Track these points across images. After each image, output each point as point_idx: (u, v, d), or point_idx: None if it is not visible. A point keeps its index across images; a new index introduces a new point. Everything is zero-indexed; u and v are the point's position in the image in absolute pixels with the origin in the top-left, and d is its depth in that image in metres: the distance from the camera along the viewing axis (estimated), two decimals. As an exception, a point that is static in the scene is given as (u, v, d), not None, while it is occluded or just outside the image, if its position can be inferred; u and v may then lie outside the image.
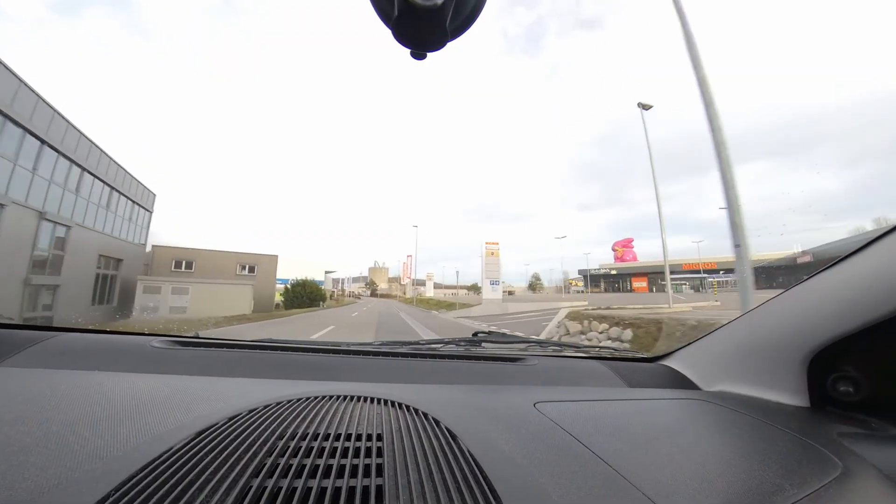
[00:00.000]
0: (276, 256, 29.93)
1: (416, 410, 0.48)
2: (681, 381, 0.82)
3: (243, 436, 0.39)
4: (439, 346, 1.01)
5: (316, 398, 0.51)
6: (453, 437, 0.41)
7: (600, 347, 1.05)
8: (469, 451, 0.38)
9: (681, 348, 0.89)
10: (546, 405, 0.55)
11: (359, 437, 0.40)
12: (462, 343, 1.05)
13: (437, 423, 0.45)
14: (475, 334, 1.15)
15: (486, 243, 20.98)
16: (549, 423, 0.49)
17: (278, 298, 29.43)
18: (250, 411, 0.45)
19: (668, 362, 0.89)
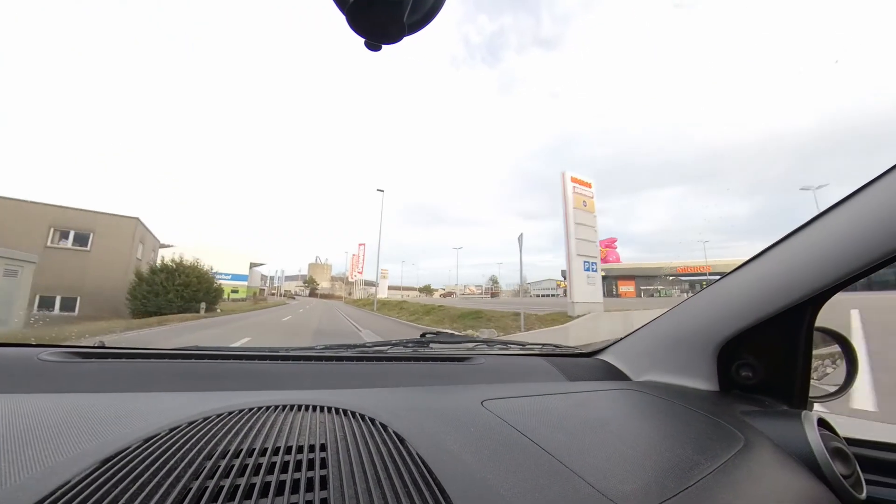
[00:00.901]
0: (136, 220, 18.03)
1: (363, 416, 0.47)
2: (614, 374, 0.90)
3: (163, 459, 0.34)
4: (386, 348, 0.99)
5: (250, 410, 0.47)
6: (401, 440, 0.41)
7: (543, 345, 1.10)
8: (418, 454, 0.38)
9: (614, 343, 0.97)
10: (493, 402, 0.56)
11: (300, 450, 0.37)
12: (410, 345, 1.05)
13: (385, 427, 0.44)
14: (423, 335, 1.14)
15: (575, 181, 10.55)
16: (496, 419, 0.51)
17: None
18: (172, 430, 0.41)
19: (603, 356, 0.97)
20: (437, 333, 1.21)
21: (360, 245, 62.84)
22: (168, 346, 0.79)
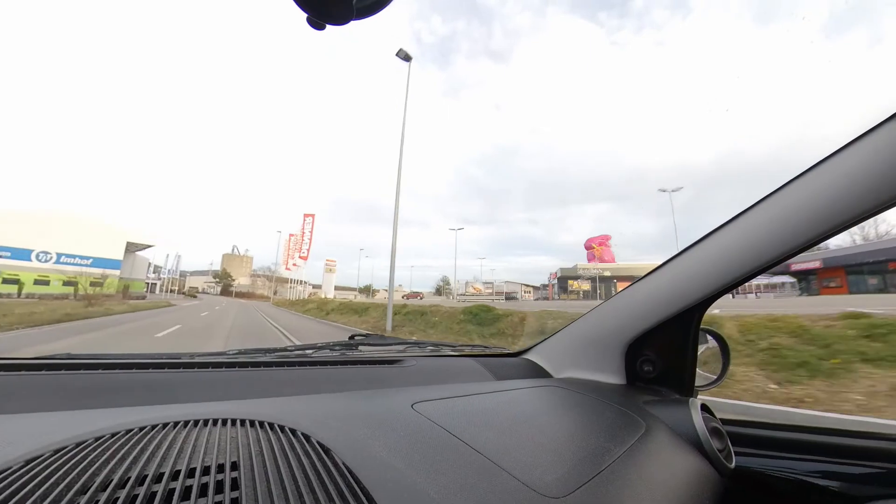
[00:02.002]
0: None
1: (282, 428, 0.43)
2: (538, 372, 0.95)
3: (15, 499, 0.27)
4: (311, 352, 0.93)
5: (142, 430, 0.39)
6: (326, 451, 0.38)
7: (473, 346, 1.14)
8: (344, 464, 0.36)
9: (539, 343, 1.03)
10: (423, 405, 0.56)
11: (206, 471, 0.33)
12: (337, 348, 0.99)
13: (308, 438, 0.41)
14: (352, 337, 1.10)
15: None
16: (427, 422, 0.50)
17: None
18: (30, 462, 0.32)
19: (528, 356, 1.02)
20: (367, 335, 1.17)
21: (305, 217, 44.59)
22: (26, 355, 0.64)
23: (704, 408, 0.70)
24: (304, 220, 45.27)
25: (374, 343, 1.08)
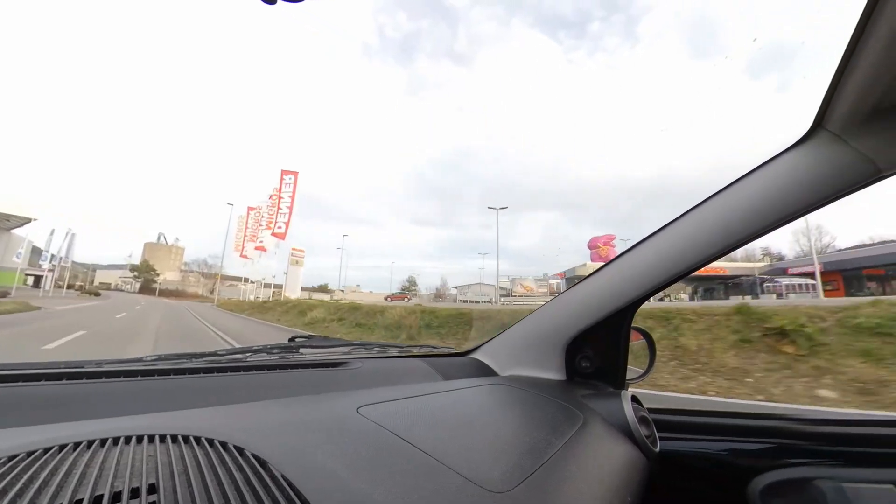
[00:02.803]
0: None
1: (210, 442, 0.39)
2: (485, 370, 0.98)
3: None
4: (245, 356, 0.86)
5: (31, 455, 0.33)
6: (262, 463, 0.36)
7: (421, 346, 1.13)
8: (283, 476, 0.34)
9: (486, 343, 1.06)
10: (369, 408, 0.55)
11: (116, 498, 0.28)
12: (276, 351, 0.93)
13: (241, 451, 0.38)
14: (292, 339, 1.04)
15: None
16: (373, 425, 0.49)
17: None
18: None
19: (476, 355, 1.05)
20: (310, 337, 1.11)
21: (284, 175, 29.32)
22: None
23: (634, 399, 0.78)
24: (283, 179, 27.59)
25: (316, 345, 1.04)
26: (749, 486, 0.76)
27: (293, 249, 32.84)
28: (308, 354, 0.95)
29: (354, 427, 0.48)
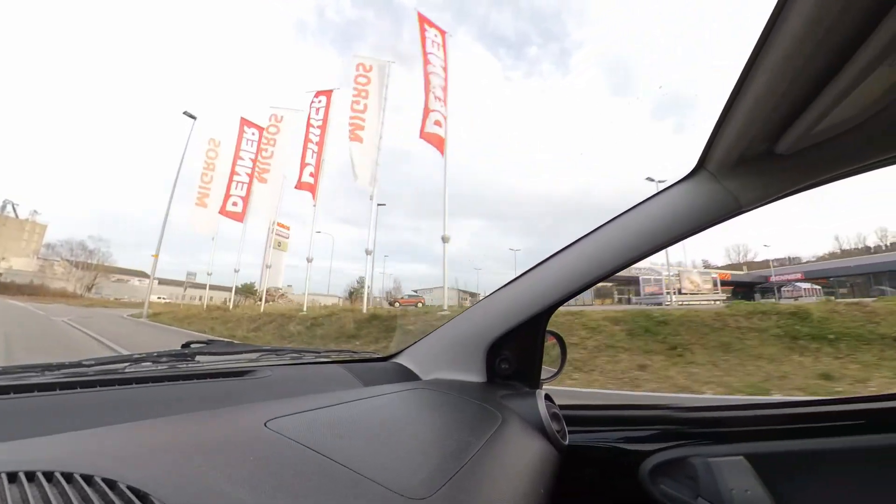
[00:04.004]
0: None
1: (69, 477, 0.31)
2: (407, 375, 0.97)
3: None
4: (123, 366, 0.74)
5: None
6: (142, 497, 0.30)
7: (340, 351, 1.08)
8: None
9: (409, 347, 1.05)
10: (279, 421, 0.50)
11: None
12: (164, 359, 0.81)
13: (112, 484, 0.31)
14: (187, 345, 0.91)
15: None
16: (283, 440, 0.45)
17: None
18: None
19: (398, 359, 1.03)
20: (209, 342, 0.99)
21: (317, 97, 15.79)
22: None
23: (547, 397, 0.84)
24: (315, 101, 15.95)
25: (217, 352, 0.93)
26: (640, 468, 0.87)
27: (278, 225, 20.01)
28: (206, 363, 0.84)
29: (261, 443, 0.44)
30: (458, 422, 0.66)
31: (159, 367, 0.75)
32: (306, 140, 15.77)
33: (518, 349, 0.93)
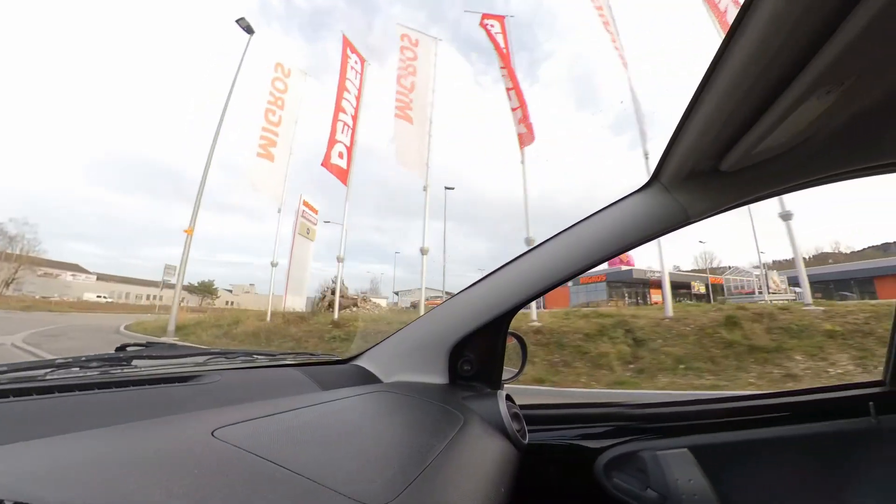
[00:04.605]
0: None
1: None
2: (368, 378, 0.95)
3: None
4: (44, 371, 0.65)
5: None
6: None
7: (297, 353, 1.04)
8: None
9: (370, 349, 1.03)
10: (228, 430, 0.47)
11: None
12: (95, 364, 0.73)
13: None
14: (122, 348, 0.83)
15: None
16: (233, 450, 0.42)
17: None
18: None
19: (358, 362, 1.01)
20: (148, 345, 0.90)
21: (350, 55, 12.26)
22: None
23: (508, 397, 0.86)
24: (351, 58, 12.53)
25: (157, 355, 0.85)
26: (595, 463, 0.92)
27: (304, 206, 14.64)
28: (145, 368, 0.77)
29: (208, 454, 0.41)
30: (420, 424, 0.65)
31: (89, 374, 0.67)
32: (337, 109, 11.78)
33: (480, 351, 0.94)
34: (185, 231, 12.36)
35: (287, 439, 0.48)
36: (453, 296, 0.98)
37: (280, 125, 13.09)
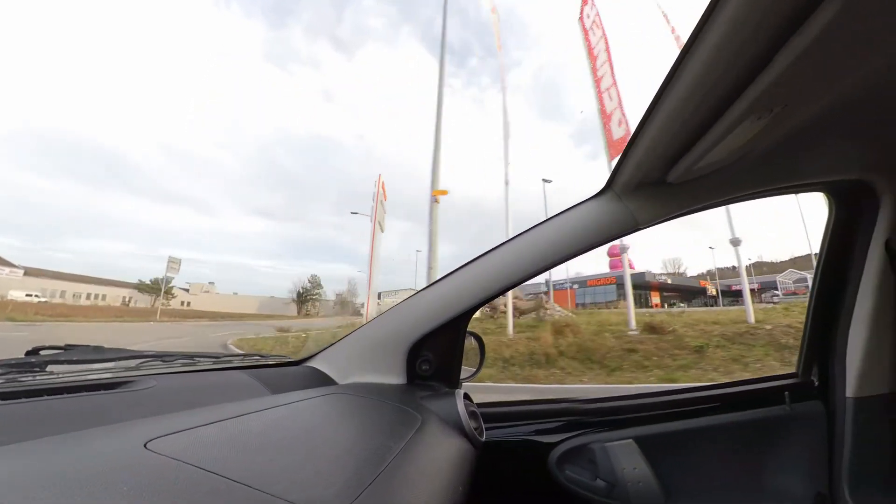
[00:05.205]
0: None
1: None
2: (322, 380, 0.92)
3: None
4: None
5: None
6: None
7: (244, 355, 0.98)
8: None
9: (324, 350, 1.00)
10: (164, 441, 0.43)
11: None
12: (2, 371, 0.65)
13: None
14: (34, 352, 0.74)
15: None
16: (169, 462, 0.39)
17: None
18: None
19: (312, 363, 0.97)
20: (67, 348, 0.81)
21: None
22: None
23: (466, 396, 0.86)
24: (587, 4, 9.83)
25: (79, 359, 0.76)
26: (548, 457, 0.96)
27: (382, 189, 11.80)
28: (63, 374, 0.69)
29: (140, 468, 0.37)
30: (377, 426, 0.64)
31: None
32: (594, 68, 9.29)
33: (438, 350, 0.94)
34: (433, 194, 7.92)
35: (232, 448, 0.45)
36: (412, 295, 0.97)
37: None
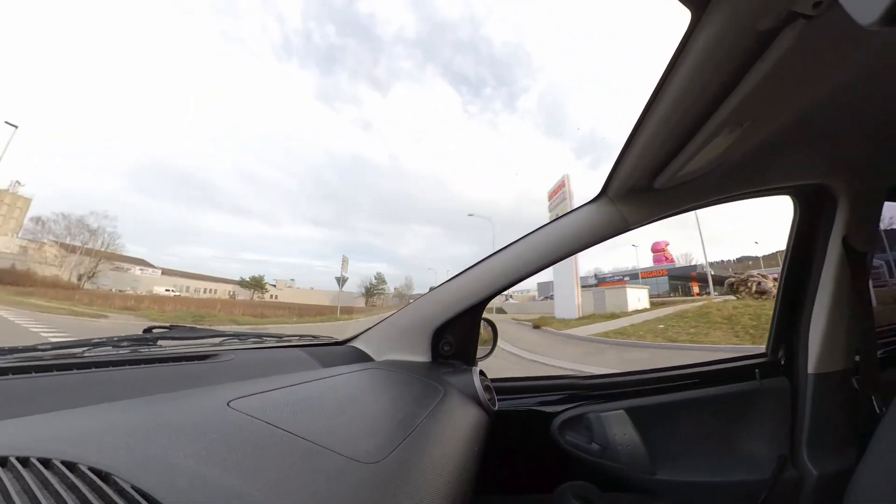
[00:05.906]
0: None
1: (24, 461, 0.29)
2: (362, 357, 1.03)
3: None
4: (81, 350, 0.69)
5: None
6: (104, 477, 0.29)
7: (301, 336, 1.07)
8: (134, 487, 0.28)
9: (364, 332, 1.10)
10: (242, 401, 0.50)
11: None
12: (125, 344, 0.76)
13: (72, 466, 0.29)
14: (149, 330, 0.86)
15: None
16: (246, 418, 0.45)
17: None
18: None
19: (354, 343, 1.08)
20: (171, 328, 0.93)
21: None
22: None
23: (481, 373, 0.97)
24: None
25: (179, 336, 0.88)
26: (551, 424, 1.05)
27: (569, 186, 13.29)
28: (168, 347, 0.81)
29: (224, 422, 0.44)
30: (406, 396, 0.72)
31: (120, 352, 0.71)
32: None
33: (458, 333, 1.04)
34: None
35: (292, 409, 0.51)
36: (435, 287, 1.06)
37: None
